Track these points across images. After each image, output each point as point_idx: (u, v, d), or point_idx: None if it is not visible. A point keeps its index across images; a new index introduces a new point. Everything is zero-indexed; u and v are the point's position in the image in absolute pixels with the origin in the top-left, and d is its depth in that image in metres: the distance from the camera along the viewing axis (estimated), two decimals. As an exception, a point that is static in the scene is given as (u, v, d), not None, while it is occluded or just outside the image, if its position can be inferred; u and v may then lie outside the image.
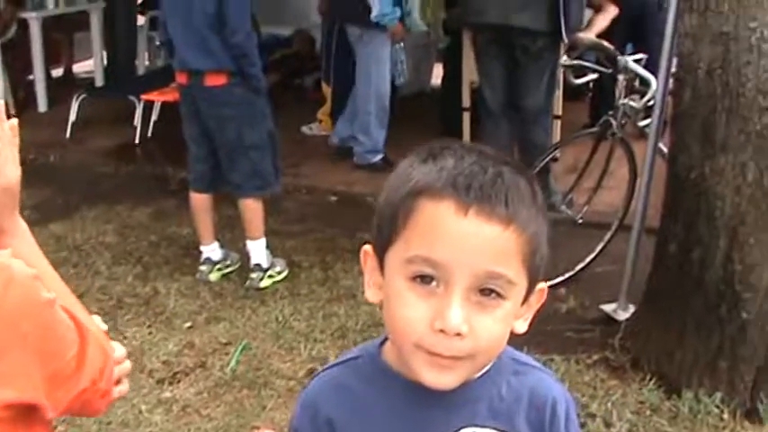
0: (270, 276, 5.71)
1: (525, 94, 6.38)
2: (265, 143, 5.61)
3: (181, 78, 5.58)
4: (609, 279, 5.41)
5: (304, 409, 1.60)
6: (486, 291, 1.36)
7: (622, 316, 4.98)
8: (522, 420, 1.54)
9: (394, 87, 8.28)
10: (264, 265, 5.71)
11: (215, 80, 5.39)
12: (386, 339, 1.55)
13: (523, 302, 1.45)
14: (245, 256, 5.86)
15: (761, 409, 4.11)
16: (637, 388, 4.35)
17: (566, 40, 6.06)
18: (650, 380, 4.39)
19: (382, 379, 1.53)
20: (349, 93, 8.99)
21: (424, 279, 1.37)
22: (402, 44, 8.03)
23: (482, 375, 1.51)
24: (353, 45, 8.04)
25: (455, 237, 1.34)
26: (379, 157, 8.05)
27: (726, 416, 4.10)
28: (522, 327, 1.50)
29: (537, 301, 1.50)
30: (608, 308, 5.08)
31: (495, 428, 1.53)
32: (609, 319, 5.01)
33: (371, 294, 1.51)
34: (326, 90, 9.26)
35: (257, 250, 5.72)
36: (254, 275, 5.68)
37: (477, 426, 1.52)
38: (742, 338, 4.15)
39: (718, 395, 4.16)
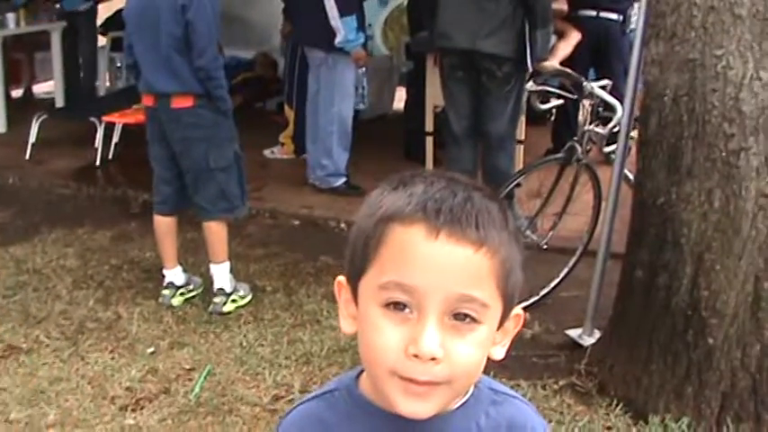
0: (233, 301, 5.67)
1: (490, 120, 6.39)
2: (232, 165, 5.59)
3: (147, 101, 5.55)
4: (574, 304, 5.42)
5: None
6: (461, 315, 1.35)
7: (588, 341, 4.98)
8: None
9: (356, 111, 8.28)
10: (228, 290, 5.67)
11: (182, 102, 5.37)
12: (362, 371, 1.53)
13: (499, 328, 1.44)
14: (207, 281, 5.82)
15: (727, 435, 4.12)
16: (604, 413, 4.35)
17: (530, 69, 6.07)
18: (617, 405, 4.39)
19: (360, 412, 1.51)
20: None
21: (398, 306, 1.35)
22: (364, 69, 8.04)
23: (460, 406, 1.49)
24: (316, 69, 8.02)
25: (427, 260, 1.33)
26: (342, 180, 8.05)
27: (692, 441, 4.11)
28: (499, 353, 1.49)
29: (514, 326, 1.49)
30: (573, 333, 5.08)
31: None
32: (574, 345, 5.02)
33: (346, 325, 1.49)
34: (289, 113, 9.26)
35: (220, 274, 5.68)
36: (217, 300, 5.64)
37: None
38: (708, 364, 4.16)
39: (685, 420, 4.16)
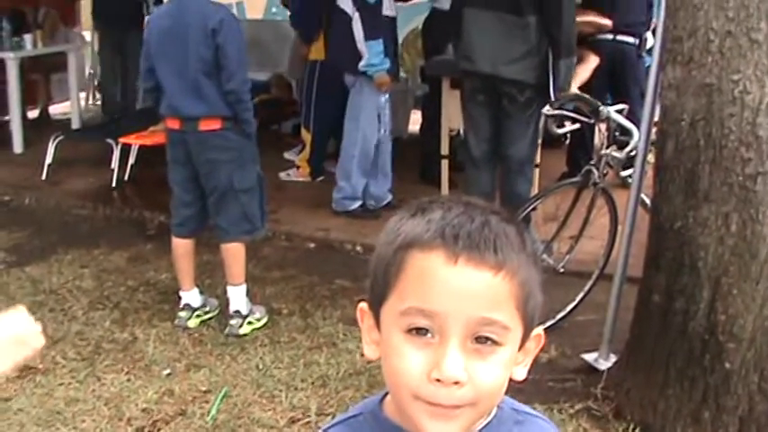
0: (249, 323, 5.68)
1: (510, 144, 6.40)
2: (255, 187, 5.64)
3: (172, 124, 5.56)
4: (590, 328, 5.42)
5: None
6: (482, 338, 1.37)
7: (604, 365, 4.97)
8: None
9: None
10: (244, 312, 5.68)
11: (209, 125, 5.42)
12: (386, 395, 1.54)
13: (520, 348, 1.45)
14: (223, 303, 5.83)
15: (744, 460, 4.11)
16: (620, 438, 4.35)
17: (553, 98, 6.06)
18: (633, 430, 4.38)
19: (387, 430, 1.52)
20: (329, 139, 9.04)
21: (420, 331, 1.37)
22: (387, 95, 8.04)
23: (484, 426, 1.50)
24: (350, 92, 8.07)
25: (447, 286, 1.34)
26: (358, 204, 8.06)
27: (710, 466, 4.09)
28: (521, 373, 1.50)
29: (535, 346, 1.51)
30: (589, 357, 5.08)
31: None
32: (590, 369, 5.01)
33: (370, 351, 1.50)
34: (306, 136, 9.28)
35: (237, 296, 5.69)
36: (233, 322, 5.65)
37: None
38: (725, 388, 4.15)
39: (702, 445, 4.16)
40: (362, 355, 5.11)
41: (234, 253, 5.66)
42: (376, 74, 7.74)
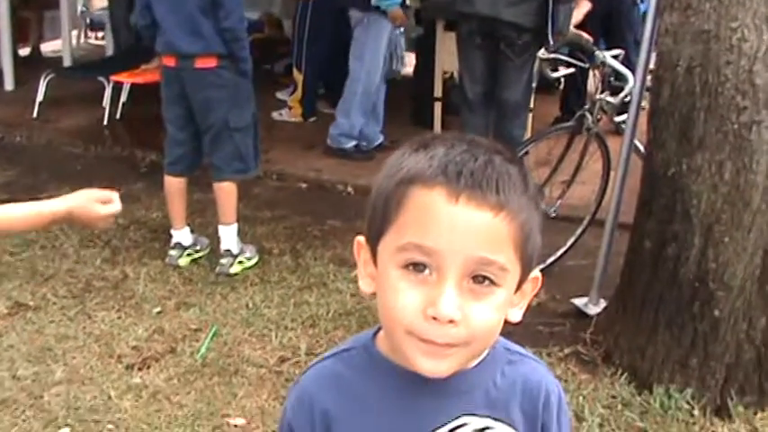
0: (240, 263, 5.69)
1: (506, 87, 6.37)
2: (249, 125, 5.63)
3: (168, 61, 5.53)
4: (580, 273, 5.43)
5: (298, 403, 1.58)
6: (479, 278, 1.37)
7: (593, 310, 5.00)
8: (517, 408, 1.55)
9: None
10: (235, 251, 5.69)
11: (205, 63, 5.38)
12: (379, 330, 1.55)
13: (517, 290, 1.45)
14: (214, 242, 5.83)
15: (730, 406, 4.13)
16: (608, 382, 4.36)
17: (551, 41, 6.02)
18: (621, 375, 4.40)
19: (377, 369, 1.52)
20: (321, 79, 8.97)
21: (417, 267, 1.37)
22: (402, 30, 7.97)
23: (477, 365, 1.51)
24: (353, 29, 7.99)
25: (446, 223, 1.34)
26: (353, 143, 8.02)
27: (696, 412, 4.12)
28: (516, 315, 1.50)
29: (531, 289, 1.51)
30: (579, 302, 5.10)
31: (490, 417, 1.53)
32: (580, 313, 5.03)
33: (365, 285, 1.50)
34: (298, 76, 9.23)
35: (228, 235, 5.69)
36: (224, 261, 5.66)
37: (473, 414, 1.52)
38: (714, 336, 4.17)
39: (689, 391, 4.18)
40: (353, 295, 5.20)
41: (226, 192, 5.65)
42: (390, 8, 7.68)
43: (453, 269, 1.34)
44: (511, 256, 1.38)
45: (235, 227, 5.74)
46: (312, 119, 9.24)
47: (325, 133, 8.19)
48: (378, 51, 7.87)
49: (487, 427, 1.53)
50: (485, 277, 1.37)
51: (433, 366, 1.41)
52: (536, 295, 1.54)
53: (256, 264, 5.76)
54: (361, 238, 1.50)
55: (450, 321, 1.35)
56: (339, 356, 1.60)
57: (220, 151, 5.55)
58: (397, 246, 1.38)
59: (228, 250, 5.67)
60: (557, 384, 1.61)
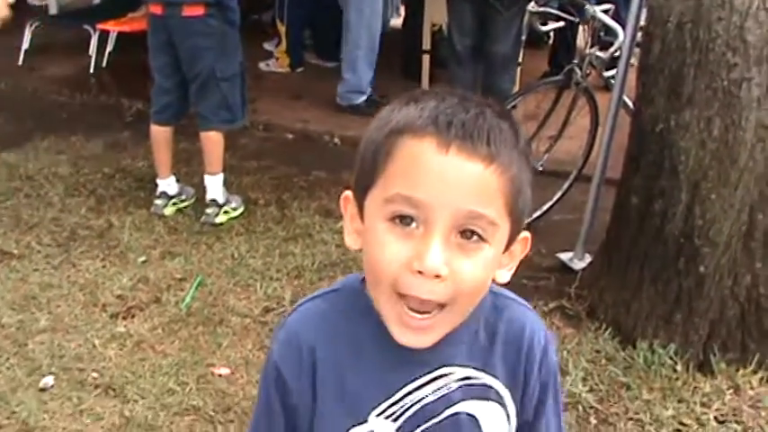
0: (225, 212, 5.67)
1: (495, 41, 6.34)
2: (237, 75, 5.58)
3: (155, 9, 5.46)
4: (566, 228, 5.42)
5: (286, 343, 1.58)
6: (468, 232, 1.35)
7: (579, 265, 5.00)
8: (498, 356, 1.55)
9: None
10: (220, 201, 5.67)
11: (192, 11, 5.32)
12: None
13: (506, 250, 1.44)
14: (200, 192, 5.81)
15: (713, 362, 4.15)
16: (592, 337, 4.38)
17: None
18: (606, 329, 4.41)
19: (362, 314, 1.51)
20: (303, 29, 8.89)
21: (404, 220, 1.35)
22: None
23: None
24: None
25: (436, 174, 1.32)
26: (363, 98, 7.87)
27: (679, 367, 4.13)
28: (504, 276, 1.49)
29: (521, 250, 1.50)
30: (564, 256, 5.10)
31: (471, 367, 1.53)
32: (565, 268, 5.04)
33: (351, 241, 1.49)
34: (281, 27, 9.15)
35: (214, 185, 5.67)
36: (209, 211, 5.64)
37: (456, 365, 1.52)
38: (698, 292, 4.17)
39: (673, 347, 4.19)
40: (338, 246, 5.21)
41: (212, 141, 5.62)
42: None
43: (441, 222, 1.33)
44: (501, 211, 1.36)
45: (221, 177, 5.72)
46: (299, 69, 9.17)
47: (313, 84, 8.15)
48: (376, 1, 7.77)
49: (468, 377, 1.53)
50: (473, 232, 1.35)
51: (415, 340, 1.42)
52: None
53: (242, 214, 5.75)
54: (348, 193, 1.49)
55: (437, 276, 1.34)
56: (326, 297, 1.61)
57: (207, 101, 5.51)
58: (385, 197, 1.36)
59: (214, 200, 5.66)
60: (544, 331, 1.59)
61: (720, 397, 3.97)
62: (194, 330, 4.45)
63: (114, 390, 3.98)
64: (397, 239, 1.36)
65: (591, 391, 4.00)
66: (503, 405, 1.56)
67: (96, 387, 4.00)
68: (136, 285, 4.85)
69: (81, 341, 4.32)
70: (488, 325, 1.54)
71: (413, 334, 1.41)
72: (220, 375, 4.09)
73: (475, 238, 1.35)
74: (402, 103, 1.41)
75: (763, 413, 3.90)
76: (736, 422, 3.84)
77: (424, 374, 1.51)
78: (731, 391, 4.02)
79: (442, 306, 1.39)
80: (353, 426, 1.54)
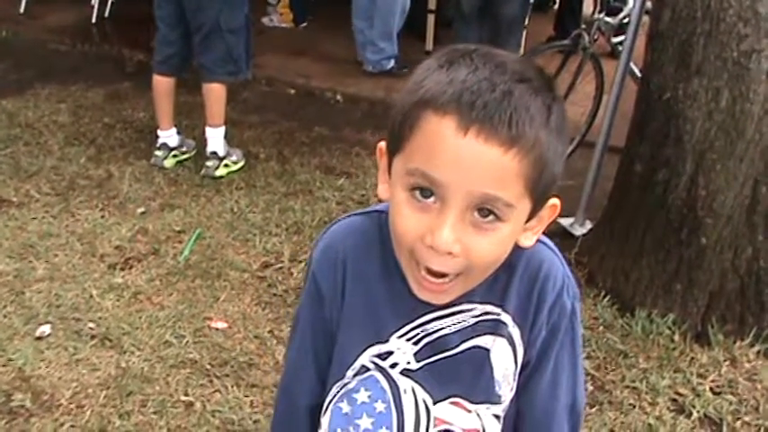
0: (226, 166, 5.65)
1: (504, 2, 6.32)
2: (242, 28, 5.54)
3: None
4: (567, 193, 5.30)
5: (324, 250, 1.63)
6: (485, 211, 1.35)
7: (579, 231, 4.99)
8: (513, 293, 1.55)
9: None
10: (221, 154, 5.65)
11: None
12: None
13: (530, 219, 1.43)
14: (200, 144, 5.79)
15: (711, 334, 4.15)
16: (591, 304, 4.37)
17: None
18: (604, 297, 4.41)
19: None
20: None
21: (423, 192, 1.36)
22: None
23: None
24: None
25: (453, 157, 1.31)
26: (393, 62, 7.79)
27: (677, 337, 4.13)
28: (529, 240, 1.49)
29: (549, 216, 1.49)
30: (565, 222, 5.09)
31: (490, 303, 1.55)
32: (565, 233, 5.02)
33: (382, 191, 1.50)
34: None
35: (215, 138, 5.65)
36: (209, 163, 5.63)
37: (476, 302, 1.54)
38: (699, 263, 4.17)
39: (671, 317, 4.19)
40: (339, 203, 5.25)
41: (215, 93, 5.59)
42: None
43: (455, 202, 1.33)
44: (519, 193, 1.35)
45: (222, 129, 5.70)
46: (303, 24, 9.12)
47: (316, 39, 8.09)
48: None
49: (487, 312, 1.55)
50: (489, 211, 1.35)
51: (431, 298, 1.46)
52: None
53: (242, 168, 5.74)
54: (382, 144, 1.49)
55: (449, 253, 1.35)
56: (369, 216, 1.63)
57: (211, 53, 5.48)
58: (407, 169, 1.37)
59: (215, 152, 5.64)
60: (562, 273, 1.58)
61: (717, 368, 3.97)
62: (192, 283, 4.44)
63: (111, 341, 3.97)
64: (414, 212, 1.37)
65: (588, 357, 4.00)
66: (511, 341, 1.57)
67: (93, 337, 3.99)
68: (134, 236, 4.84)
69: (78, 291, 4.31)
70: (510, 263, 1.52)
71: (429, 293, 1.44)
72: (217, 329, 4.08)
73: (491, 217, 1.35)
74: (437, 64, 1.38)
75: (758, 386, 3.91)
76: (732, 394, 3.85)
77: (445, 308, 1.53)
78: (728, 362, 4.02)
79: (457, 274, 1.41)
80: (374, 344, 1.58)
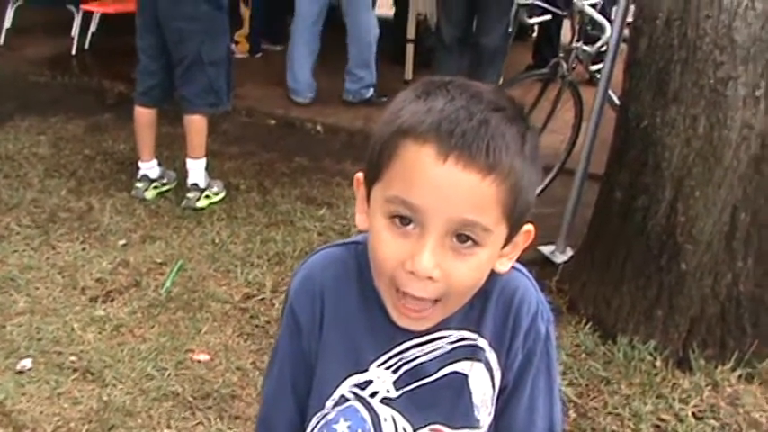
0: (207, 197, 5.66)
1: (485, 33, 6.37)
2: (223, 60, 5.57)
3: None
4: (547, 221, 5.39)
5: (302, 281, 1.64)
6: (462, 237, 1.37)
7: (560, 258, 5.01)
8: (489, 318, 1.57)
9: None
10: (202, 186, 5.66)
11: None
12: None
13: (506, 244, 1.46)
14: (181, 176, 5.79)
15: (692, 359, 4.16)
16: (573, 331, 4.38)
17: None
18: (586, 324, 4.42)
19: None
20: (266, 14, 8.81)
21: (402, 220, 1.38)
22: None
23: None
24: None
25: (433, 183, 1.34)
26: (372, 91, 7.82)
27: (658, 363, 4.15)
28: (504, 266, 1.51)
29: (523, 242, 1.51)
30: (546, 249, 5.10)
31: (465, 329, 1.57)
32: (546, 261, 5.03)
33: (360, 221, 1.52)
34: (245, 12, 9.12)
35: (196, 170, 5.66)
36: (190, 195, 5.63)
37: (452, 329, 1.55)
38: (679, 289, 4.19)
39: (653, 343, 4.21)
40: (320, 234, 5.25)
41: (196, 125, 5.60)
42: None
43: (435, 227, 1.36)
44: (497, 218, 1.38)
45: (203, 161, 5.71)
46: (258, 55, 9.20)
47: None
48: None
49: (463, 338, 1.57)
50: (468, 237, 1.37)
51: (410, 324, 1.48)
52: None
53: (223, 199, 5.74)
54: (360, 175, 1.51)
55: (429, 278, 1.38)
56: (348, 247, 1.64)
57: (193, 84, 5.50)
58: (386, 197, 1.39)
59: (195, 184, 5.64)
60: (536, 298, 1.60)
61: (699, 393, 3.98)
62: (174, 315, 4.43)
63: (92, 374, 3.95)
64: (395, 238, 1.39)
65: (570, 384, 4.01)
66: (488, 366, 1.59)
67: (74, 371, 3.97)
68: (116, 269, 4.83)
69: (59, 324, 4.29)
70: (485, 289, 1.54)
71: (408, 320, 1.46)
72: (200, 361, 4.07)
73: (469, 242, 1.38)
74: (414, 95, 1.42)
75: (740, 410, 3.92)
76: (714, 419, 3.85)
77: (422, 335, 1.54)
78: (709, 387, 4.03)
79: (435, 300, 1.43)
80: (353, 374, 1.59)
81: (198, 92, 5.51)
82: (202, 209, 5.59)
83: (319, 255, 1.66)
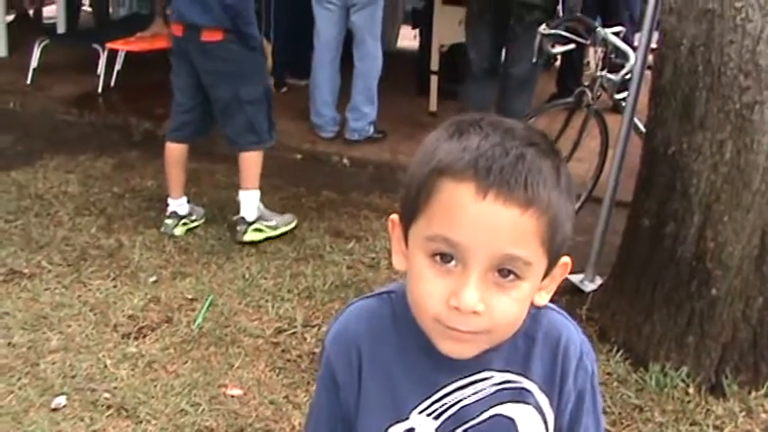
0: (258, 230, 5.68)
1: (514, 63, 6.39)
2: (261, 98, 5.60)
3: (176, 30, 5.51)
4: (576, 250, 5.32)
5: (337, 336, 1.65)
6: (505, 271, 1.39)
7: (589, 287, 5.00)
8: (537, 363, 1.58)
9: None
10: (249, 219, 5.67)
11: (211, 36, 5.35)
12: None
13: (545, 277, 1.47)
14: (210, 211, 5.85)
15: (725, 385, 4.15)
16: (604, 359, 4.37)
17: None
18: (617, 352, 4.41)
19: (411, 318, 1.53)
20: (290, 49, 8.83)
21: (444, 257, 1.39)
22: None
23: None
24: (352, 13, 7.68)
25: (473, 219, 1.35)
26: (373, 127, 7.83)
27: (691, 390, 4.14)
28: (543, 299, 1.53)
29: (561, 274, 1.53)
30: (575, 278, 5.09)
31: (510, 372, 1.57)
32: (576, 290, 5.03)
33: (397, 262, 1.54)
34: (267, 47, 9.14)
35: (248, 201, 5.68)
36: (238, 228, 5.66)
37: (494, 370, 1.56)
38: (710, 315, 4.18)
39: (685, 369, 4.20)
40: (349, 267, 5.25)
41: (247, 159, 5.67)
42: None
43: (478, 262, 1.37)
44: (537, 251, 1.39)
45: (256, 193, 5.74)
46: (283, 89, 9.21)
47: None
48: (379, 27, 7.73)
49: (507, 380, 1.57)
50: (510, 271, 1.39)
51: (456, 350, 1.47)
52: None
53: (285, 233, 5.79)
54: (395, 217, 1.53)
55: (474, 312, 1.38)
56: (381, 297, 1.65)
57: (232, 124, 5.57)
58: (426, 235, 1.40)
59: (243, 218, 5.67)
60: (580, 340, 1.63)
61: (733, 420, 3.97)
62: (206, 351, 4.44)
63: (126, 410, 3.97)
64: (437, 276, 1.41)
65: (603, 413, 3.98)
66: (540, 410, 1.59)
67: (108, 407, 3.98)
68: (147, 305, 4.85)
69: (93, 361, 4.31)
70: (527, 332, 1.57)
71: (454, 344, 1.45)
72: (233, 396, 4.09)
73: (511, 276, 1.39)
74: (447, 134, 1.43)
75: (775, 436, 3.91)
76: (749, 445, 3.85)
77: (464, 377, 1.55)
78: (744, 413, 4.02)
79: (479, 333, 1.44)
80: (394, 423, 1.59)
81: (239, 131, 5.58)
82: (253, 242, 5.63)
83: (353, 307, 1.67)
